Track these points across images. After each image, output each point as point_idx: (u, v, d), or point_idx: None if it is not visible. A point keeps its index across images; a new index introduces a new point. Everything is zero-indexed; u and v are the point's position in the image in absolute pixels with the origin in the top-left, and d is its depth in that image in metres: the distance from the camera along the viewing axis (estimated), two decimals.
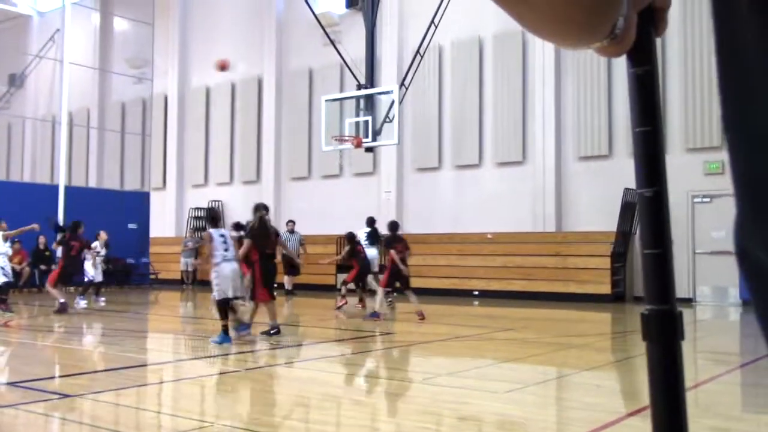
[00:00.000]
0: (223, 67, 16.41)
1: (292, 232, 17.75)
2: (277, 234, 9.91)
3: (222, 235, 9.13)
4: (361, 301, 14.10)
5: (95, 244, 15.56)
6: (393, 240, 12.28)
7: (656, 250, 0.69)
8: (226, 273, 8.87)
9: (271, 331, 9.52)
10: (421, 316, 11.80)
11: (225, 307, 8.89)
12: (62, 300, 12.66)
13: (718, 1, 0.63)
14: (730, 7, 0.62)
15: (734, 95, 0.62)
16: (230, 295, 8.92)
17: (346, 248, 14.10)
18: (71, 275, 13.67)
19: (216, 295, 8.96)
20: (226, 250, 9.00)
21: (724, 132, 0.63)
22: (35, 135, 29.29)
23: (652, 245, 0.70)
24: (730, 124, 0.63)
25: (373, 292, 13.66)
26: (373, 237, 14.27)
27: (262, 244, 9.54)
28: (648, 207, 0.70)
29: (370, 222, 14.63)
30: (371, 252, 14.15)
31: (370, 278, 14.44)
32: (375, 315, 12.01)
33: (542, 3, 0.60)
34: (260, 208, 9.78)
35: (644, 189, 0.70)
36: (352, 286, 13.98)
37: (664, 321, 0.69)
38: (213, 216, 9.52)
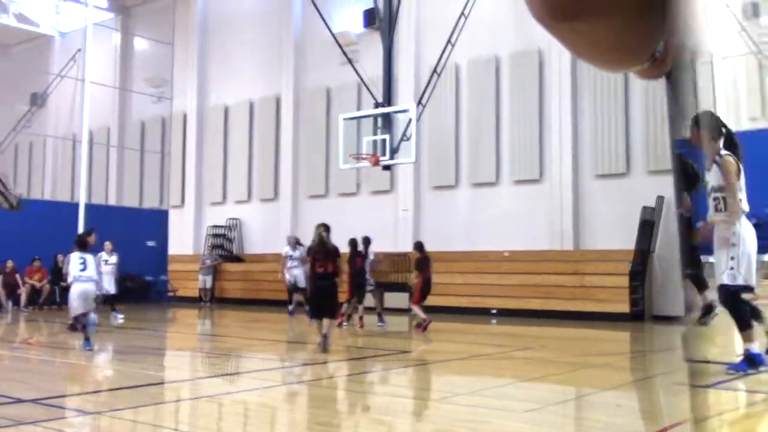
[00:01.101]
0: None
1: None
2: (335, 253, 10.05)
3: (81, 257, 9.84)
4: (345, 314, 14.37)
5: (101, 254, 15.47)
6: (424, 260, 13.22)
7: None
8: (73, 292, 9.76)
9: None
10: (426, 325, 12.63)
11: (75, 322, 9.92)
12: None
13: None
14: None
15: None
16: (81, 311, 9.75)
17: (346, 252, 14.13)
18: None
19: (71, 310, 9.93)
20: (82, 270, 9.74)
21: None
22: (56, 153, 29.65)
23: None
24: None
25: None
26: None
27: (314, 261, 10.08)
28: (687, 226, 0.70)
29: (366, 242, 15.09)
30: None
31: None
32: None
33: (601, 35, 0.61)
34: (319, 227, 10.22)
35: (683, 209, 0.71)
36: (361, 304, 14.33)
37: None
38: (79, 241, 10.29)
